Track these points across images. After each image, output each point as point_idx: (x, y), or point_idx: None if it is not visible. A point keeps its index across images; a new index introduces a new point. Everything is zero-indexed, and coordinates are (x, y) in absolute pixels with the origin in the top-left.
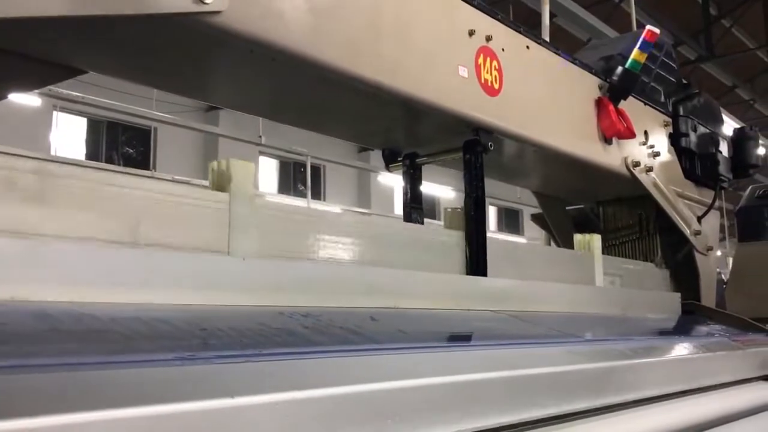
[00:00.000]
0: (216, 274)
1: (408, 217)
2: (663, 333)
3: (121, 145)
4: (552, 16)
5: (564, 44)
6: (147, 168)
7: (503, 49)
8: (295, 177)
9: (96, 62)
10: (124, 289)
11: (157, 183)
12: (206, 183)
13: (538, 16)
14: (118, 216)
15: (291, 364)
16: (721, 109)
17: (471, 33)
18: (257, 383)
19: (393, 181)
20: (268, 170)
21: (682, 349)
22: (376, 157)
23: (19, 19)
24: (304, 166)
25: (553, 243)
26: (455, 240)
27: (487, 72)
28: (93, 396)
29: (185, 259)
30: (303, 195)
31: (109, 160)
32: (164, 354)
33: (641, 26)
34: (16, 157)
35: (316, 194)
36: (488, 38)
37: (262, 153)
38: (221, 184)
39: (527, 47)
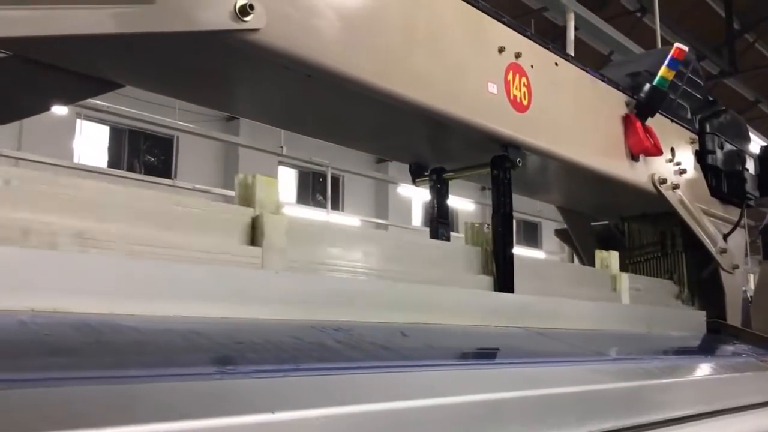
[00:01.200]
0: (250, 287)
1: (434, 232)
2: (689, 352)
3: (142, 153)
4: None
5: (585, 57)
6: (168, 176)
7: (532, 66)
8: (314, 187)
9: (133, 76)
10: (161, 301)
11: (193, 199)
12: (226, 192)
13: (560, 29)
14: (156, 230)
15: (327, 379)
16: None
17: (501, 50)
18: (296, 398)
19: (411, 192)
20: (287, 180)
21: (708, 369)
22: (394, 168)
23: (68, 37)
24: (322, 176)
25: (576, 259)
26: (482, 256)
27: (516, 88)
28: (137, 409)
29: (220, 273)
30: (321, 205)
31: (131, 168)
32: (204, 368)
33: (664, 41)
34: (57, 173)
35: (335, 204)
36: (517, 55)
37: (281, 163)
38: (252, 198)
39: (556, 64)
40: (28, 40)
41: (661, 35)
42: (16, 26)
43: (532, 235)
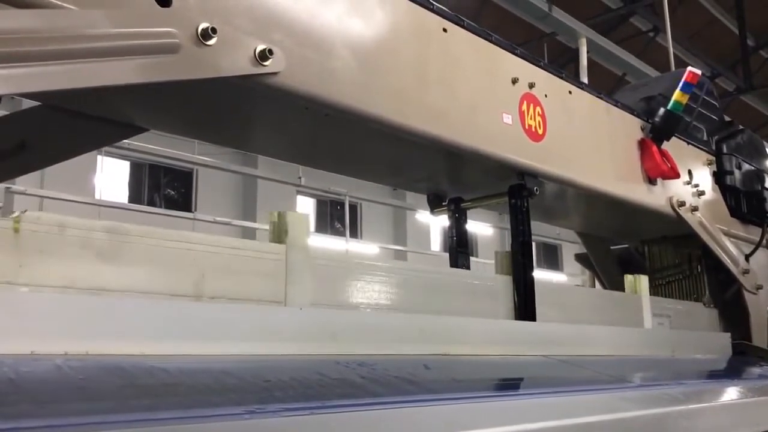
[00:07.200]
0: (275, 324)
1: (454, 261)
2: (715, 376)
3: (162, 187)
4: None
5: (600, 77)
6: (189, 209)
7: (546, 95)
8: (332, 215)
9: (157, 121)
10: (189, 340)
11: (218, 238)
12: (246, 224)
13: (574, 51)
14: (182, 271)
15: (353, 415)
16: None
17: (514, 81)
18: None
19: (429, 218)
20: (305, 209)
21: (736, 393)
22: (411, 194)
23: (96, 88)
24: (340, 204)
25: (598, 283)
26: (503, 284)
27: (531, 118)
28: None
29: (245, 311)
30: (340, 233)
31: (152, 203)
32: (233, 408)
33: (678, 60)
34: (92, 219)
35: (353, 232)
36: (531, 85)
37: (299, 192)
38: (278, 236)
39: (569, 92)
40: (59, 91)
41: (675, 54)
42: (49, 80)
43: (552, 257)
